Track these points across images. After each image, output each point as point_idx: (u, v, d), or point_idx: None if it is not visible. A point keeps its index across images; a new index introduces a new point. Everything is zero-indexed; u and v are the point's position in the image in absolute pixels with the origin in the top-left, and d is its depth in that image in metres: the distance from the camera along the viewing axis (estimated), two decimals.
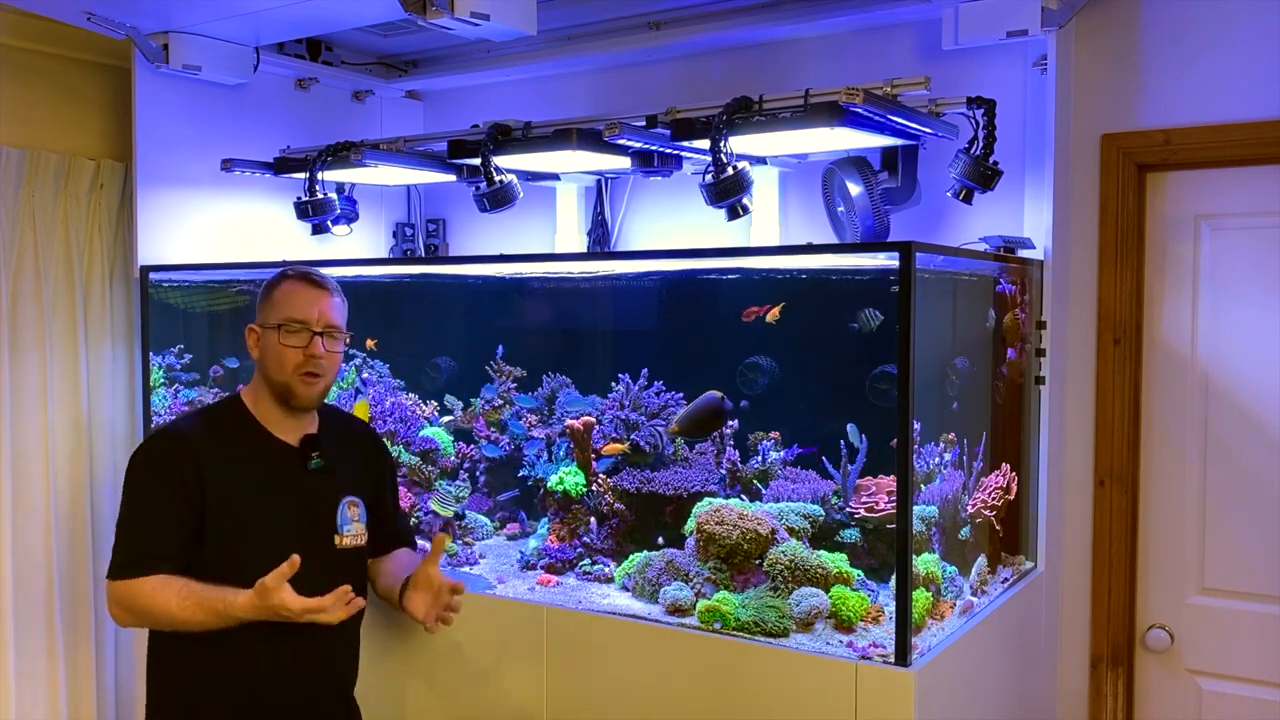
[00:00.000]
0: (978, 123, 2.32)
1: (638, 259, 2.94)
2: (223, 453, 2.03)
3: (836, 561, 2.21)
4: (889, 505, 2.27)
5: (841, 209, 2.59)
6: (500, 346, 2.94)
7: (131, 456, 2.05)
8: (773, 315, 2.40)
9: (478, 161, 2.56)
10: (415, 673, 2.41)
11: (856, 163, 2.53)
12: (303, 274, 2.09)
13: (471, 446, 2.93)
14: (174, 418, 2.97)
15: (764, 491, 2.48)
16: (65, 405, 3.10)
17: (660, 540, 2.45)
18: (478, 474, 2.93)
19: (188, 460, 1.98)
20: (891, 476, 2.26)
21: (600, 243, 3.28)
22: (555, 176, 3.14)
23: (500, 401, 2.91)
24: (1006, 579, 2.43)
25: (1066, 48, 2.56)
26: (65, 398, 3.10)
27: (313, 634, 1.97)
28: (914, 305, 1.87)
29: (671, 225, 3.23)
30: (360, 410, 2.84)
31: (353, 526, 2.12)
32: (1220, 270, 2.56)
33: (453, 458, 2.92)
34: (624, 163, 2.65)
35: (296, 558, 1.85)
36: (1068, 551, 2.68)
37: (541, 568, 2.54)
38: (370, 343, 2.99)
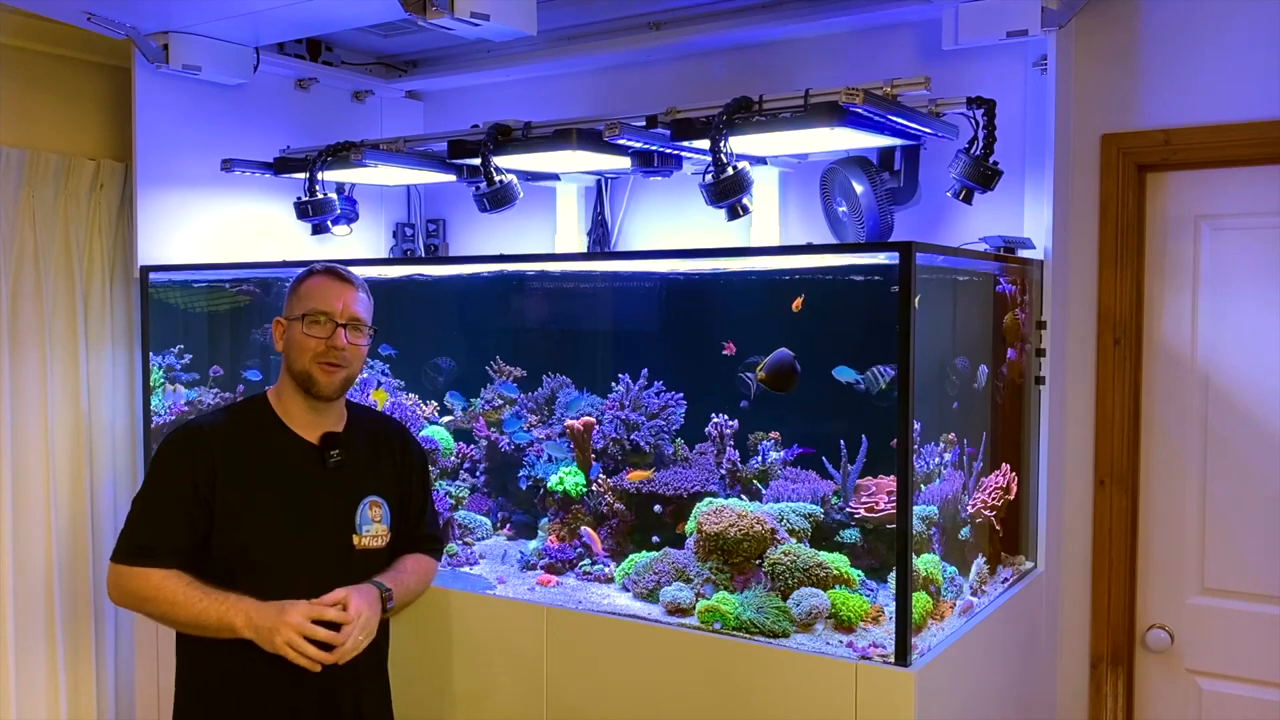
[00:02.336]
0: (978, 123, 2.32)
1: (638, 259, 2.94)
2: (240, 448, 2.04)
3: (837, 562, 2.21)
4: (889, 505, 2.27)
5: (843, 209, 2.59)
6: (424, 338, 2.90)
7: (158, 446, 2.08)
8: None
9: (478, 161, 2.56)
10: (415, 673, 2.41)
11: (860, 162, 2.53)
12: (329, 268, 2.14)
13: (472, 446, 2.93)
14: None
15: (764, 491, 2.48)
16: (65, 405, 3.10)
17: (655, 540, 2.45)
18: (478, 474, 2.93)
19: (203, 454, 2.00)
20: (891, 476, 2.26)
21: (600, 243, 3.28)
22: (555, 176, 3.14)
23: (500, 402, 2.91)
24: (1006, 579, 2.43)
25: (1066, 48, 2.56)
26: (65, 398, 3.10)
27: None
28: (914, 305, 1.87)
29: (671, 225, 3.23)
30: (377, 398, 2.85)
31: (373, 527, 2.11)
32: (1220, 270, 2.56)
33: (453, 458, 2.92)
34: (624, 163, 2.65)
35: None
36: (1068, 551, 2.68)
37: (541, 568, 2.55)
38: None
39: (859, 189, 2.49)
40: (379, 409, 2.85)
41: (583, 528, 2.56)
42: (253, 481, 2.02)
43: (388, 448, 2.23)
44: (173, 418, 3.12)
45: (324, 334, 2.05)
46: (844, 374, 2.36)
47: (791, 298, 2.41)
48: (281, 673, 1.97)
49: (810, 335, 2.52)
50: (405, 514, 2.20)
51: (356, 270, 2.20)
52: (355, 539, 2.09)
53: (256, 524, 2.00)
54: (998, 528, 2.40)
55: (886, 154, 2.56)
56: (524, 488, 2.77)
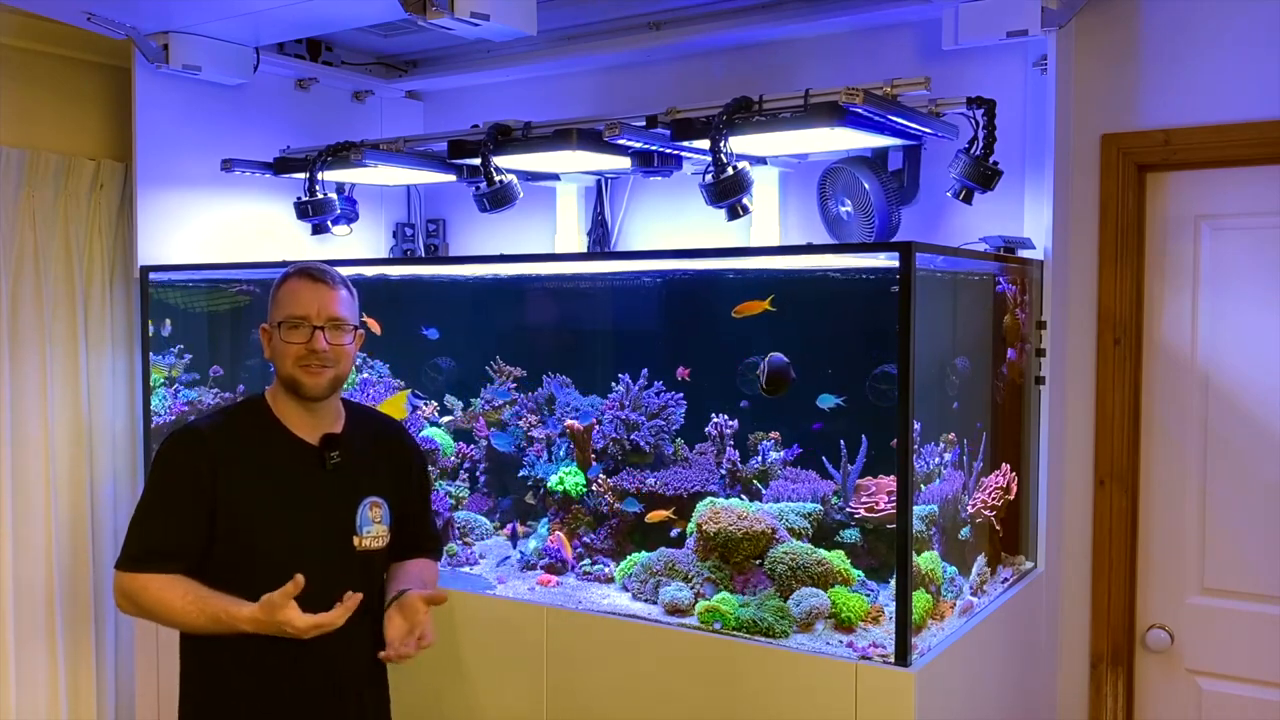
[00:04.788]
0: (978, 123, 2.32)
1: (638, 259, 2.94)
2: (239, 450, 2.03)
3: (837, 561, 2.21)
4: (889, 505, 2.27)
5: (846, 208, 2.59)
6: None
7: (156, 450, 2.07)
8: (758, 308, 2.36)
9: (478, 161, 2.56)
10: (415, 672, 2.41)
11: (867, 161, 2.53)
12: (304, 269, 2.09)
13: (472, 446, 2.93)
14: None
15: (764, 491, 2.48)
16: (65, 406, 3.10)
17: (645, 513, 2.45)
18: (477, 474, 2.93)
19: (202, 457, 1.99)
20: (891, 476, 2.26)
21: (600, 243, 3.28)
22: (555, 176, 3.14)
23: (500, 402, 2.91)
24: (1006, 579, 2.43)
25: (1066, 48, 2.56)
26: (65, 398, 3.10)
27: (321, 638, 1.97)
28: (914, 305, 1.87)
29: (671, 225, 3.23)
30: (398, 400, 2.84)
31: (373, 528, 2.10)
32: (1220, 270, 2.56)
33: (452, 458, 2.92)
34: (624, 163, 2.65)
35: (301, 578, 1.85)
36: (1068, 551, 2.68)
37: (541, 568, 2.54)
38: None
39: (867, 187, 2.49)
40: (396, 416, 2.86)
41: (558, 533, 2.55)
42: (254, 483, 2.02)
43: (386, 448, 2.22)
44: (173, 418, 3.12)
45: (302, 339, 2.02)
46: (826, 401, 2.37)
47: (792, 298, 2.41)
48: (290, 665, 1.99)
49: (809, 335, 2.52)
50: (406, 514, 2.20)
51: (357, 271, 2.19)
52: (356, 540, 2.08)
53: (258, 526, 2.00)
54: (998, 528, 2.40)
55: (881, 154, 2.56)
56: (528, 486, 2.78)
